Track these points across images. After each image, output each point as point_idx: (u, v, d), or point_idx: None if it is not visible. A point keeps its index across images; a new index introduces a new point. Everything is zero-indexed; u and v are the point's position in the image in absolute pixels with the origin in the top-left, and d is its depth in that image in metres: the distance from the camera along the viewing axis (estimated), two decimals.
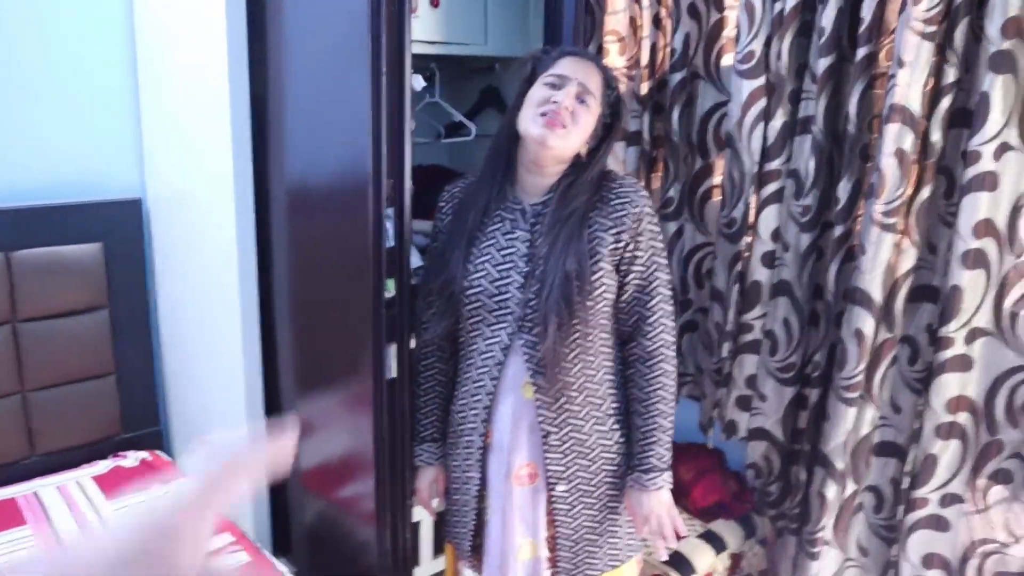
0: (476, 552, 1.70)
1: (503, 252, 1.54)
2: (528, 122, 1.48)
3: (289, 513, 2.10)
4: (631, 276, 1.54)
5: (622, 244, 1.52)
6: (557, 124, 1.46)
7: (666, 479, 1.56)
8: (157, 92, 2.15)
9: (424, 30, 1.97)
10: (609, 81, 1.55)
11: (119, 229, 2.15)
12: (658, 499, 1.56)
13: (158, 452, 2.25)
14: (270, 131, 1.84)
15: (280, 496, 2.10)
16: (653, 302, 1.55)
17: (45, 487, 2.02)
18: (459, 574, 1.80)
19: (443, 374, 1.70)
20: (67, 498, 1.97)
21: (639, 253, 1.54)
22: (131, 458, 2.18)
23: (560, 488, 1.58)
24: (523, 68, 1.58)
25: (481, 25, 2.12)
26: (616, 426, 1.60)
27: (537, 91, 1.50)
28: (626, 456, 1.62)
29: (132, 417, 2.25)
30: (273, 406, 2.05)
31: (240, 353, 1.95)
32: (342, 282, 1.73)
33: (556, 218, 1.50)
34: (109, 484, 2.04)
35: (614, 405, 1.60)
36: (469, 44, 2.11)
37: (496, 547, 1.65)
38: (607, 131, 1.57)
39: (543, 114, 1.46)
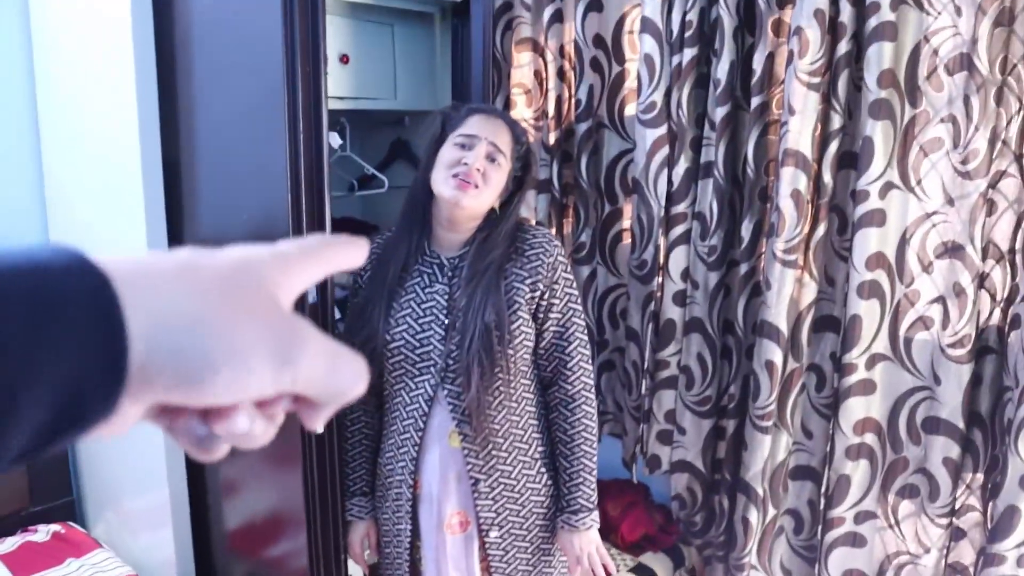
0: None
1: (423, 306, 1.56)
2: (441, 184, 1.51)
3: None
4: (548, 323, 1.59)
5: (538, 293, 1.56)
6: (469, 186, 1.49)
7: (594, 518, 1.62)
8: (62, 158, 2.09)
9: (335, 86, 1.99)
10: (517, 136, 1.59)
11: None
12: (587, 538, 1.61)
13: (71, 524, 2.15)
14: (183, 194, 1.82)
15: (206, 560, 2.03)
16: (571, 347, 1.60)
17: None
18: None
19: (369, 427, 1.70)
20: None
21: (555, 301, 1.58)
22: (41, 532, 2.08)
23: (493, 534, 1.59)
24: (432, 126, 1.61)
25: (390, 80, 2.16)
26: (543, 469, 1.63)
27: (448, 152, 1.53)
28: (555, 498, 1.65)
29: (41, 488, 2.15)
30: (194, 466, 1.99)
31: None
32: None
33: (473, 271, 1.54)
34: (18, 562, 1.94)
35: (540, 448, 1.63)
36: (379, 99, 2.15)
37: None
38: (518, 184, 1.61)
39: (455, 175, 1.50)
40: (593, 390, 1.63)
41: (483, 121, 1.55)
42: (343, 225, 2.45)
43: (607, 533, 2.16)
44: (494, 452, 1.57)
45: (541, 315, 1.58)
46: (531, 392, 1.62)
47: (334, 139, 1.72)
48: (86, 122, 1.97)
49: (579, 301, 1.63)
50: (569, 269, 1.62)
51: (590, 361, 1.64)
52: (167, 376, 0.33)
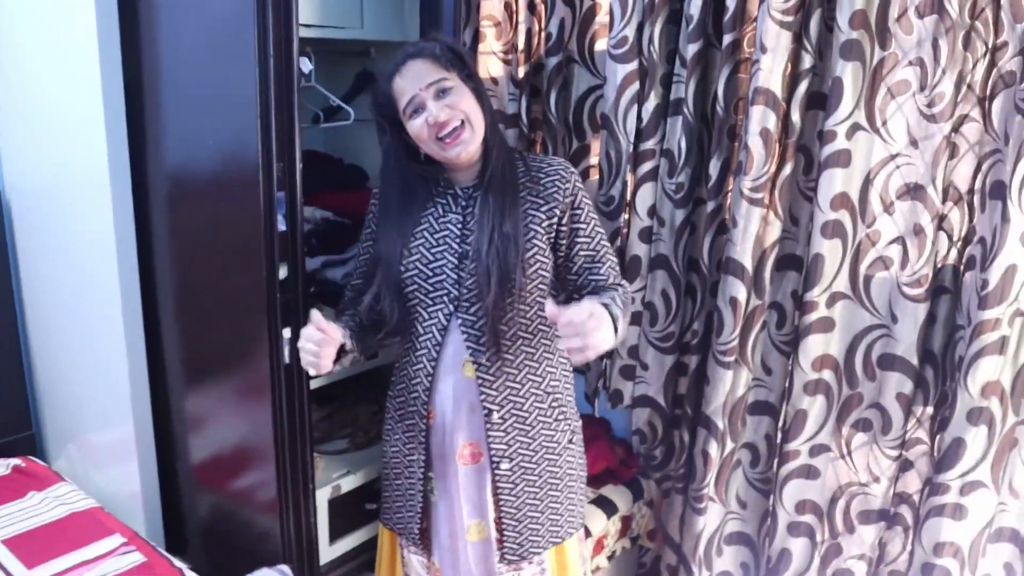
0: (423, 536, 1.71)
1: (436, 235, 1.57)
2: (437, 152, 1.51)
3: (182, 510, 2.04)
4: (577, 247, 1.59)
5: (555, 219, 1.56)
6: (456, 138, 1.48)
7: (615, 313, 1.42)
8: (13, 80, 2.01)
9: (301, 13, 1.93)
10: (432, 53, 1.50)
11: None
12: (602, 318, 1.36)
13: (31, 457, 2.13)
14: (146, 117, 1.77)
15: (172, 493, 2.04)
16: (604, 267, 1.61)
17: None
18: (404, 561, 1.80)
19: (357, 317, 1.64)
20: None
21: (580, 225, 1.58)
22: (2, 465, 2.06)
23: (504, 466, 1.62)
24: (378, 117, 1.57)
25: (358, 9, 2.10)
26: (554, 404, 1.66)
27: (413, 127, 1.50)
28: (564, 432, 1.68)
29: (1, 422, 2.12)
30: (159, 400, 1.98)
31: (123, 347, 1.88)
32: (232, 269, 1.70)
33: (486, 193, 1.54)
34: None
35: (552, 383, 1.65)
36: (345, 28, 2.09)
37: (445, 529, 1.68)
38: (480, 95, 1.55)
39: (439, 138, 1.48)
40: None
41: (403, 80, 1.49)
42: (308, 159, 2.41)
43: None
44: (508, 383, 1.59)
45: (565, 240, 1.59)
46: (547, 326, 1.63)
47: (304, 64, 1.68)
48: (42, 41, 1.90)
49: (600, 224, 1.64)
50: (587, 194, 1.62)
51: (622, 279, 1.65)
52: None
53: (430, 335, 1.59)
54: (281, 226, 1.59)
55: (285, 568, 1.47)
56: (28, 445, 2.20)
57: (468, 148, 1.50)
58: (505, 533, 1.66)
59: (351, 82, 2.39)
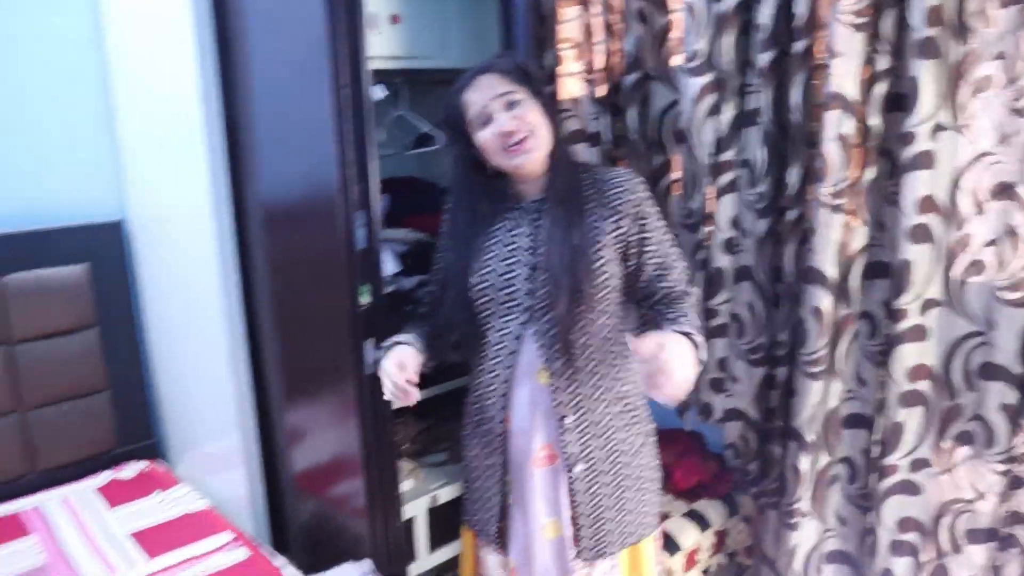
0: (500, 536, 1.77)
1: (508, 248, 1.64)
2: (503, 161, 1.58)
3: (285, 513, 2.18)
4: (645, 256, 1.63)
5: (623, 230, 1.60)
6: (521, 146, 1.55)
7: (698, 341, 1.49)
8: (132, 117, 2.24)
9: (387, 46, 2.05)
10: (503, 68, 1.57)
11: (103, 250, 2.25)
12: (679, 342, 1.44)
13: (156, 462, 2.33)
14: (242, 149, 1.94)
15: (275, 497, 2.18)
16: (674, 274, 1.64)
17: (47, 501, 2.10)
18: (480, 561, 1.86)
19: (426, 321, 1.76)
20: (70, 509, 2.05)
21: (648, 234, 1.62)
22: (129, 469, 2.26)
23: (577, 468, 1.66)
24: (448, 130, 1.67)
25: (441, 39, 2.20)
26: (627, 408, 1.70)
27: (481, 138, 1.57)
28: (636, 435, 1.71)
29: (127, 431, 2.34)
30: (263, 412, 2.13)
31: (228, 364, 2.04)
32: (320, 288, 1.81)
33: (553, 206, 1.60)
34: (111, 493, 2.13)
35: (624, 388, 1.69)
36: (431, 57, 2.20)
37: (521, 528, 1.73)
38: (551, 111, 1.61)
39: (504, 148, 1.55)
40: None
41: (473, 94, 1.57)
42: (402, 184, 2.53)
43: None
44: (579, 389, 1.64)
45: (635, 251, 1.62)
46: (616, 332, 1.67)
47: (377, 90, 1.79)
48: (152, 83, 2.11)
49: (672, 236, 1.68)
50: (655, 205, 1.66)
51: (691, 286, 1.69)
52: None
53: (504, 345, 1.65)
54: (361, 244, 1.69)
55: (368, 563, 1.56)
56: (151, 452, 2.40)
57: (532, 156, 1.56)
58: (581, 532, 1.69)
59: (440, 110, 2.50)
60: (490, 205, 1.67)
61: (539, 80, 1.64)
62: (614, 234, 1.60)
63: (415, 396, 1.58)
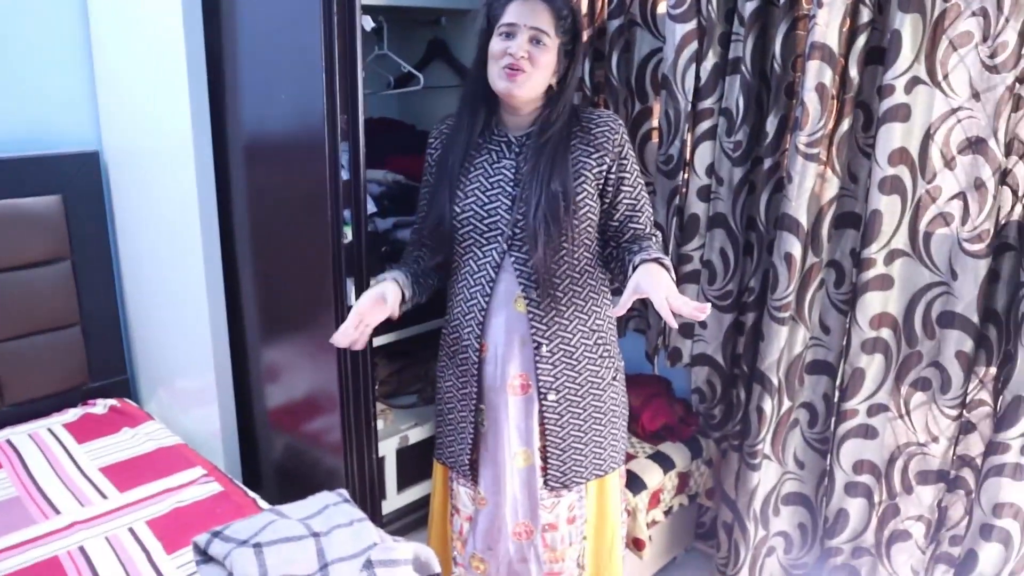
0: (472, 467, 1.81)
1: (491, 180, 1.66)
2: (494, 78, 1.60)
3: (258, 448, 2.18)
4: (621, 195, 1.68)
5: (604, 167, 1.65)
6: (517, 73, 1.56)
7: (667, 264, 1.55)
8: (110, 46, 2.17)
9: None
10: (559, 11, 1.60)
11: (78, 181, 2.19)
12: (668, 275, 1.51)
13: (126, 399, 2.31)
14: (225, 80, 1.90)
15: (249, 433, 2.18)
16: (644, 216, 1.71)
17: (17, 434, 2.07)
18: (453, 493, 1.90)
19: (424, 264, 1.78)
20: (39, 443, 2.03)
21: (625, 175, 1.67)
22: (100, 405, 2.24)
23: (551, 397, 1.71)
24: (479, 20, 1.67)
25: None
26: (599, 341, 1.74)
27: (495, 44, 1.59)
28: (606, 368, 1.76)
29: (99, 366, 2.31)
30: (238, 350, 2.12)
31: (204, 300, 2.02)
32: (301, 220, 1.80)
33: (539, 144, 1.62)
34: (80, 430, 2.10)
35: (597, 322, 1.74)
36: None
37: (492, 458, 1.77)
38: (571, 56, 1.65)
39: (504, 66, 1.57)
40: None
41: (521, 7, 1.58)
42: (380, 124, 2.51)
43: (628, 423, 2.26)
44: (556, 318, 1.68)
45: (611, 188, 1.68)
46: (592, 266, 1.72)
47: (367, 21, 1.77)
48: (132, 11, 2.04)
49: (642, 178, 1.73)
50: (632, 148, 1.71)
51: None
52: None
53: (484, 272, 1.69)
54: (345, 175, 1.68)
55: (343, 491, 1.58)
56: (123, 388, 2.38)
57: (518, 90, 1.58)
58: (549, 461, 1.75)
59: (423, 50, 2.48)
60: (483, 125, 1.68)
61: (580, 37, 1.67)
62: (596, 171, 1.65)
63: (360, 344, 1.60)
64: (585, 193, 1.63)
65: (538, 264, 1.61)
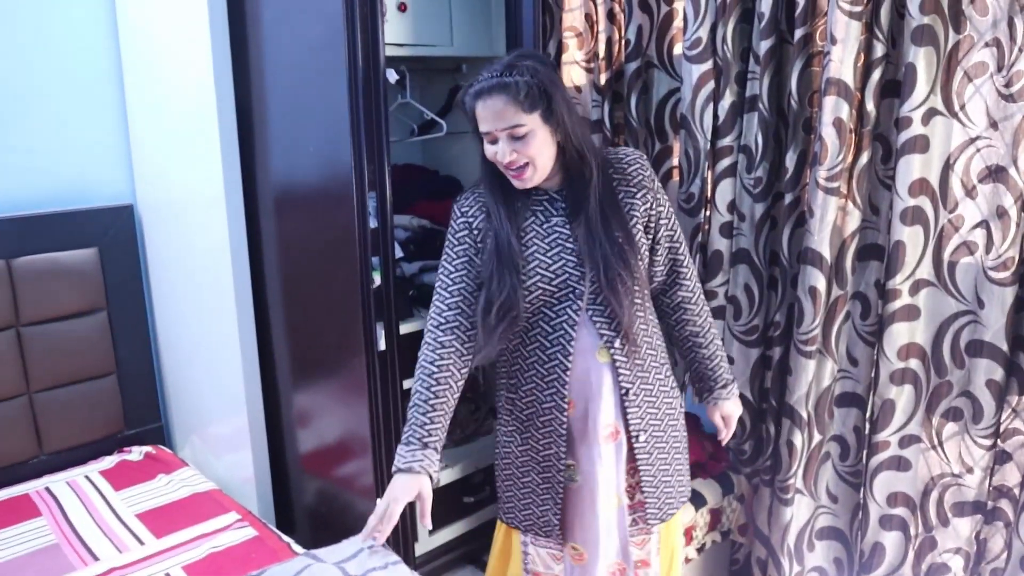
0: (560, 525, 1.77)
1: (548, 240, 1.64)
2: (505, 175, 1.61)
3: (291, 493, 2.20)
4: (661, 230, 1.71)
5: (647, 204, 1.68)
6: (521, 173, 1.58)
7: (736, 387, 1.87)
8: (144, 102, 2.26)
9: (393, 33, 2.09)
10: (518, 95, 1.51)
11: (113, 234, 2.26)
12: (737, 404, 1.88)
13: (161, 446, 2.35)
14: (254, 133, 1.96)
15: (282, 478, 2.20)
16: (682, 248, 1.76)
17: (55, 482, 2.11)
18: (528, 559, 1.84)
19: (456, 375, 1.64)
20: (78, 491, 2.07)
21: (662, 208, 1.71)
22: (136, 452, 2.28)
23: (641, 438, 1.72)
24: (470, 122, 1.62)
25: (447, 27, 2.24)
26: (668, 373, 1.78)
27: (485, 148, 1.59)
28: (678, 399, 1.81)
29: (134, 414, 2.35)
30: (270, 396, 2.15)
31: (237, 347, 2.06)
32: (330, 267, 1.85)
33: (585, 196, 1.61)
34: (116, 477, 2.14)
35: (664, 355, 1.77)
36: (436, 45, 2.24)
37: (590, 510, 1.73)
38: (556, 110, 1.55)
39: (506, 168, 1.58)
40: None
41: (484, 112, 1.53)
42: (405, 171, 2.57)
43: None
44: (637, 362, 1.70)
45: (654, 225, 1.70)
46: (649, 303, 1.76)
47: (391, 74, 1.82)
48: (165, 68, 2.13)
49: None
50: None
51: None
52: None
53: (561, 332, 1.66)
54: (373, 223, 1.72)
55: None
56: (158, 435, 2.42)
57: (530, 183, 1.60)
58: (647, 500, 1.76)
59: (445, 97, 2.54)
60: (516, 194, 1.65)
61: (555, 97, 1.56)
62: (643, 209, 1.67)
63: (382, 539, 1.56)
64: (640, 233, 1.66)
65: (626, 318, 1.63)
